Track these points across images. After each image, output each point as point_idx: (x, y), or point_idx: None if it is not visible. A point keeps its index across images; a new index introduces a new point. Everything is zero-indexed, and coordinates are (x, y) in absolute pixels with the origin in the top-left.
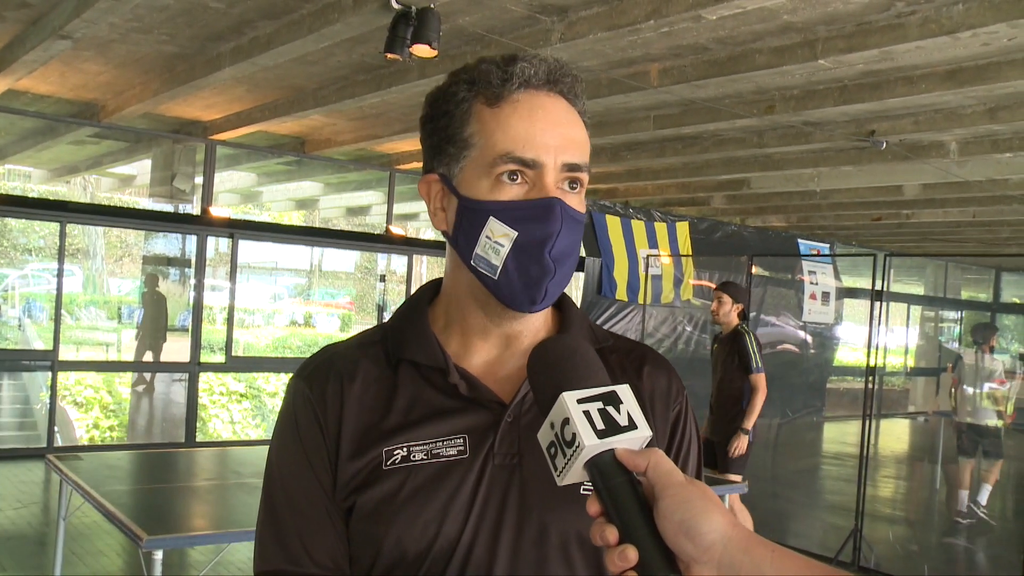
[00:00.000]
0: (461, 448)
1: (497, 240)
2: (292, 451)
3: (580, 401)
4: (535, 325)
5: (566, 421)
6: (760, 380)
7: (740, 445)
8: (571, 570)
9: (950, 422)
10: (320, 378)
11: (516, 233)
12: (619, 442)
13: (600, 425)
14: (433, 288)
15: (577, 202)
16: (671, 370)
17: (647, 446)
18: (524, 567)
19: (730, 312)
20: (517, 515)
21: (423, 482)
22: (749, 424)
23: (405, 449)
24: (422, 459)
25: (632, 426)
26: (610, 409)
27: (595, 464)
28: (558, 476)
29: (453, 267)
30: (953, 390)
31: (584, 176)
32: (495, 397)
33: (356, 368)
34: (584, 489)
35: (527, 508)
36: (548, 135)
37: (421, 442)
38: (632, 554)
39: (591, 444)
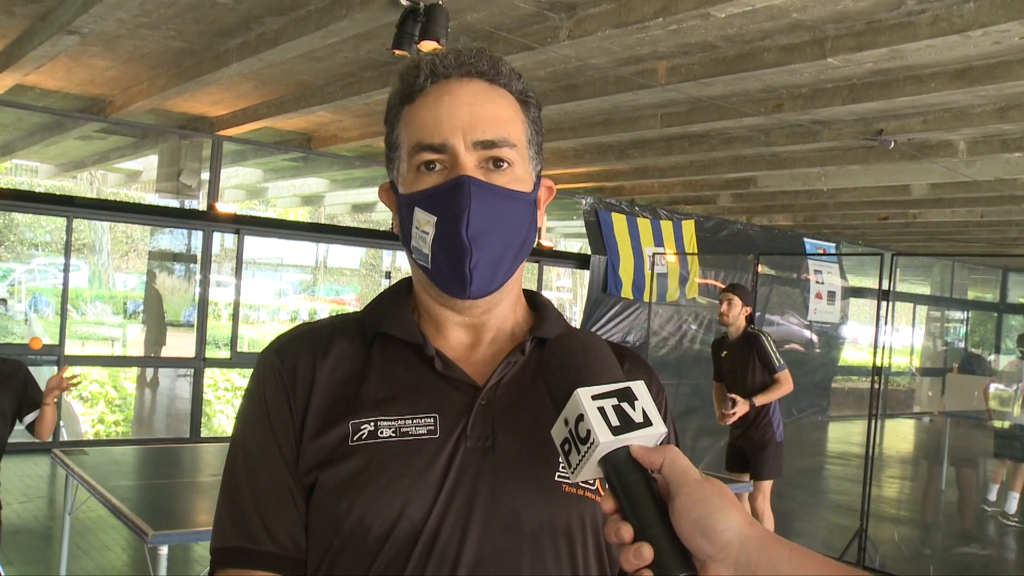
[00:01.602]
0: (431, 428)
1: (423, 229)
2: (258, 425)
3: (595, 397)
4: (499, 315)
5: (580, 418)
6: (786, 376)
7: (740, 409)
8: (543, 561)
9: (957, 423)
10: (292, 352)
11: (436, 218)
12: (634, 439)
13: (615, 422)
14: (410, 282)
15: (507, 180)
16: (651, 371)
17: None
18: (493, 554)
19: (739, 315)
20: (488, 500)
21: (389, 459)
22: (760, 400)
23: (372, 424)
24: (390, 435)
25: (647, 423)
26: (625, 406)
27: (610, 461)
28: (572, 473)
29: (412, 264)
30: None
31: (506, 152)
32: (469, 379)
33: (330, 344)
34: (559, 477)
35: (499, 494)
36: (455, 117)
37: (390, 418)
38: (647, 552)
39: (606, 441)
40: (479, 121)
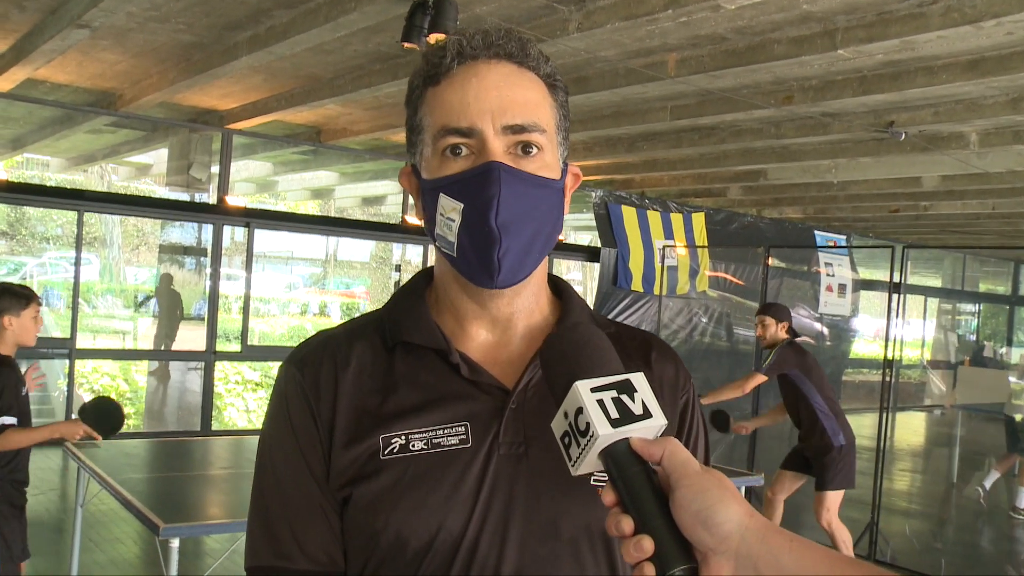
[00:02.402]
0: (463, 437)
1: (449, 216)
2: (283, 440)
3: (594, 390)
4: (525, 306)
5: (580, 410)
6: (749, 379)
7: (745, 427)
8: (582, 566)
9: (969, 416)
10: (313, 363)
11: (463, 205)
12: (634, 431)
13: (614, 414)
14: (428, 275)
15: (536, 167)
16: (677, 358)
17: (662, 435)
18: (533, 562)
19: (776, 332)
20: (525, 508)
21: (423, 473)
22: (708, 400)
23: (403, 437)
24: (422, 448)
25: (647, 415)
26: (624, 398)
27: (610, 454)
28: (572, 466)
29: (436, 252)
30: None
31: (536, 137)
32: (497, 383)
33: (351, 352)
34: (595, 480)
35: (535, 501)
36: (483, 100)
37: (420, 430)
38: (648, 544)
39: (605, 433)
40: (508, 104)
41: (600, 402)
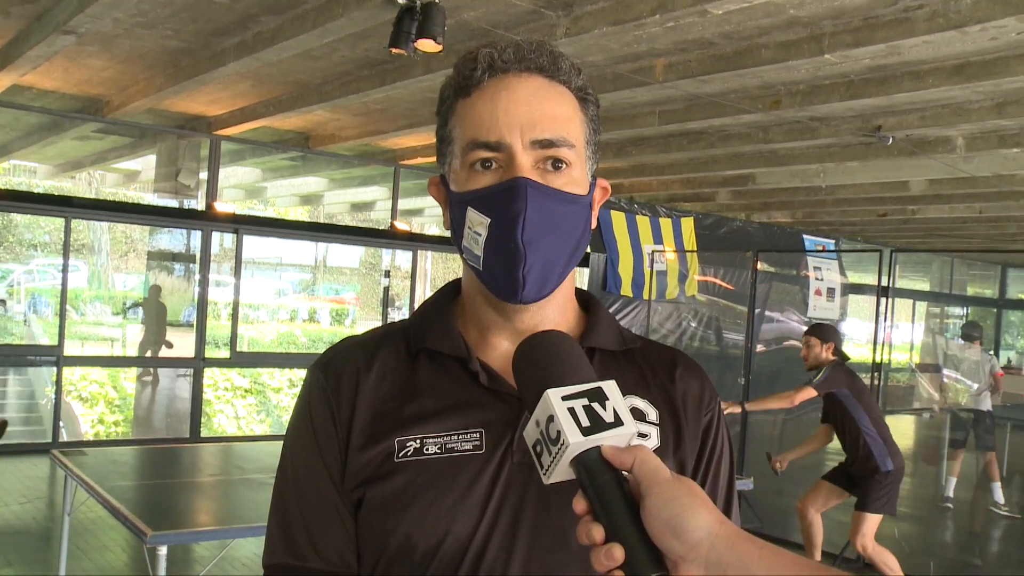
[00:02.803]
0: (477, 443)
1: (476, 230)
2: (305, 442)
3: (565, 398)
4: (550, 320)
5: (551, 418)
6: (800, 392)
7: (780, 463)
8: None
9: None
10: (336, 367)
11: (489, 220)
12: (605, 439)
13: (585, 422)
14: (456, 285)
15: (564, 182)
16: (704, 375)
17: (636, 442)
18: (540, 571)
19: (820, 353)
20: (534, 516)
21: (435, 477)
22: (753, 407)
23: (418, 441)
24: (436, 452)
25: (618, 423)
26: (595, 406)
27: (581, 462)
28: (544, 475)
29: (463, 263)
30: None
31: (564, 152)
32: (515, 391)
33: (374, 358)
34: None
35: (545, 510)
36: (512, 114)
37: (435, 434)
38: (618, 552)
39: (576, 442)
40: (538, 119)
41: (571, 410)
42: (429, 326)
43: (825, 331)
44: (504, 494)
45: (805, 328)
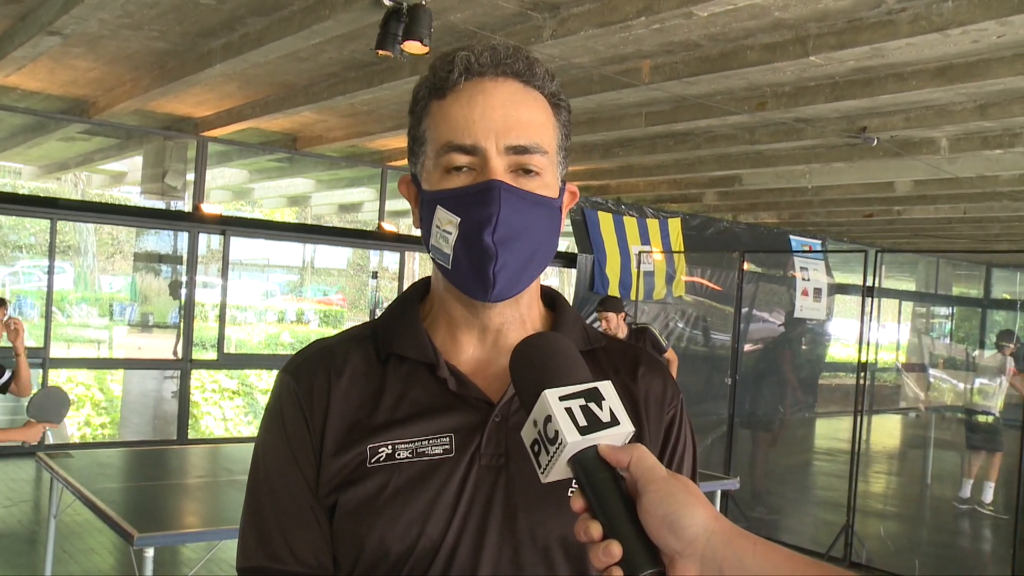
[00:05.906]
0: (447, 447)
1: (445, 228)
2: (277, 446)
3: (562, 398)
4: (517, 318)
5: (548, 419)
6: None
7: None
8: (553, 573)
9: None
10: (307, 372)
11: (459, 219)
12: (601, 438)
13: (582, 422)
14: (424, 285)
15: (536, 186)
16: (666, 373)
17: (631, 440)
18: (508, 570)
19: (617, 326)
20: (502, 517)
21: (407, 481)
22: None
23: (390, 447)
24: (407, 457)
25: (614, 422)
26: (592, 406)
27: (578, 461)
28: (542, 473)
29: (433, 262)
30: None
31: (536, 159)
32: (483, 396)
33: (344, 363)
34: (572, 491)
35: (512, 510)
36: (488, 119)
37: (407, 440)
38: (616, 549)
39: (573, 441)
40: (512, 125)
41: (568, 410)
42: (396, 330)
43: (615, 303)
44: (473, 496)
45: (781, 326)
